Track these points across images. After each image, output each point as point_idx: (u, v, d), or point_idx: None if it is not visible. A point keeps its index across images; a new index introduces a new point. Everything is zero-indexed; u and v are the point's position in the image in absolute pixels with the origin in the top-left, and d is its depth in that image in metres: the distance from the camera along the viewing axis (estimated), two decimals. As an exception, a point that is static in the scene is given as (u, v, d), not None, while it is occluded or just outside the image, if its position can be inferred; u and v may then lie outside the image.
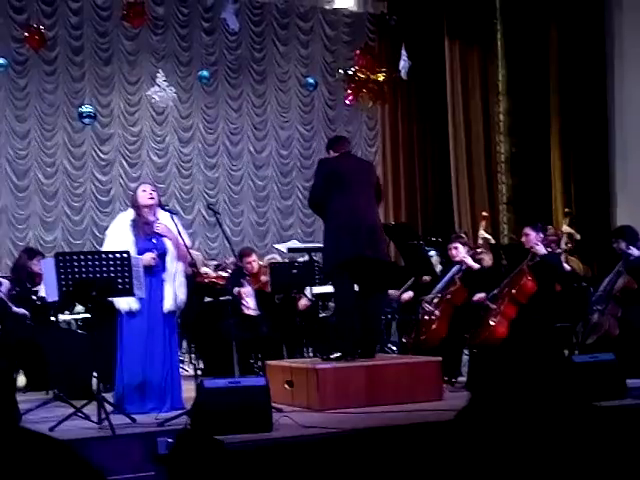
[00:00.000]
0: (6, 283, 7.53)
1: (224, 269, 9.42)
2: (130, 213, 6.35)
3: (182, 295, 6.27)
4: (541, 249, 7.41)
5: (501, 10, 12.47)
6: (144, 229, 6.21)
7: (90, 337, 7.35)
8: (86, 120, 12.98)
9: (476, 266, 7.67)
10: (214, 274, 8.92)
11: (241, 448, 4.72)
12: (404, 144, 14.77)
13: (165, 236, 6.22)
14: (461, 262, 7.73)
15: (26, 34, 12.09)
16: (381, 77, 13.52)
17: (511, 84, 12.45)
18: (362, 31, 14.68)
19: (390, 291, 9.13)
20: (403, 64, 13.49)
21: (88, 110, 12.94)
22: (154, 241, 6.20)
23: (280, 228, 14.25)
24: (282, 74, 14.43)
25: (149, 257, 6.08)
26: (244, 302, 8.40)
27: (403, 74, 13.58)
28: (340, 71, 13.86)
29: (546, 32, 12.11)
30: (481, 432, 1.21)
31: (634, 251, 7.52)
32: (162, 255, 6.19)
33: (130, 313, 6.10)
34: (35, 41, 12.10)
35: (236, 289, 8.24)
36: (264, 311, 8.44)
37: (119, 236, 6.17)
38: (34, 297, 7.66)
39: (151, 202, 6.28)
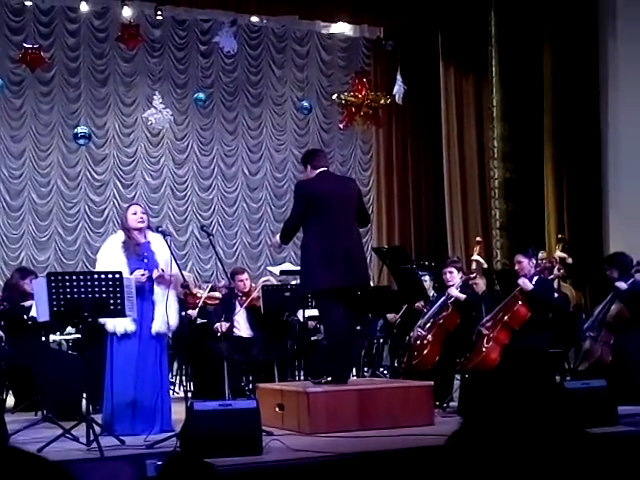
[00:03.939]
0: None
1: (216, 291, 9.40)
2: (120, 235, 6.35)
3: (174, 320, 6.27)
4: (527, 286, 7.33)
5: (496, 36, 12.56)
6: (135, 250, 6.21)
7: (80, 358, 7.33)
8: (81, 141, 13.02)
9: (462, 297, 7.63)
10: (206, 294, 8.90)
11: (231, 471, 4.68)
12: (398, 168, 14.81)
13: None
14: (447, 293, 7.69)
15: (23, 53, 12.15)
16: (382, 100, 13.57)
17: (506, 110, 12.51)
18: (358, 56, 14.77)
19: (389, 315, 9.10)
20: (398, 89, 13.57)
21: (83, 131, 12.98)
22: (145, 261, 6.21)
23: (274, 251, 14.24)
24: (278, 97, 14.49)
25: (138, 274, 6.07)
26: (236, 325, 8.39)
27: (398, 99, 13.66)
28: (334, 97, 13.92)
29: (540, 58, 12.18)
30: (472, 457, 1.20)
31: (622, 285, 7.53)
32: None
33: (122, 335, 6.08)
34: (33, 61, 12.15)
35: (216, 325, 8.24)
36: (256, 329, 8.42)
37: (111, 258, 6.17)
38: (25, 317, 7.61)
39: (141, 225, 6.28)
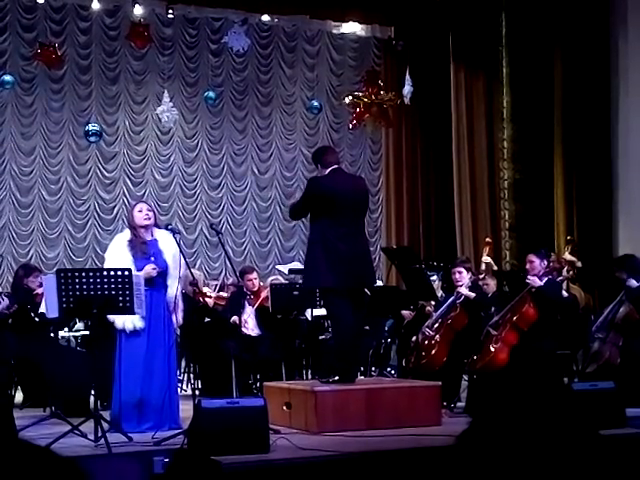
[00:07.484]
0: (5, 300, 7.51)
1: (224, 289, 9.42)
2: (127, 233, 6.36)
3: (180, 319, 6.39)
4: (536, 282, 7.33)
5: (507, 37, 12.54)
6: (142, 248, 6.21)
7: (89, 354, 7.35)
8: (92, 138, 13.04)
9: (472, 295, 7.63)
10: (214, 294, 8.92)
11: (238, 469, 4.69)
12: (408, 168, 14.79)
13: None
14: (456, 292, 7.69)
15: (39, 51, 12.21)
16: (393, 101, 13.57)
17: (516, 111, 12.48)
18: (368, 55, 14.74)
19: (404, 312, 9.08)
20: (408, 89, 13.55)
21: (95, 128, 13.00)
22: (152, 259, 6.22)
23: (282, 249, 14.25)
24: (288, 97, 14.48)
25: (149, 268, 6.09)
26: (244, 324, 8.40)
27: (407, 99, 13.64)
28: (344, 97, 13.92)
29: (551, 60, 12.16)
30: (480, 458, 1.20)
31: (632, 282, 7.51)
32: (162, 273, 6.20)
33: (131, 332, 6.10)
34: (50, 59, 12.20)
35: (233, 318, 8.25)
36: (264, 329, 8.43)
37: (118, 257, 6.17)
38: (32, 313, 7.63)
39: (147, 223, 6.28)
